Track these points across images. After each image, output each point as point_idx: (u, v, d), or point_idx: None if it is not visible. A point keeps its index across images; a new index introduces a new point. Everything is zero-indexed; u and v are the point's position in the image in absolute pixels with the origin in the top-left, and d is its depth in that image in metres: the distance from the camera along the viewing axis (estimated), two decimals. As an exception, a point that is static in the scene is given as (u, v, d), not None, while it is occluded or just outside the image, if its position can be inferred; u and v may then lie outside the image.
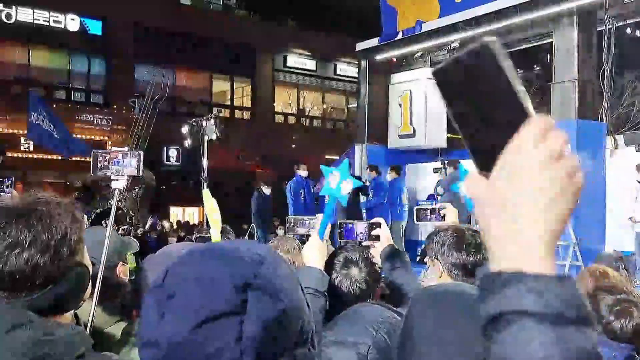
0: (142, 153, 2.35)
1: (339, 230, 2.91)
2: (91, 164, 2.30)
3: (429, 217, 3.79)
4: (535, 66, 23.23)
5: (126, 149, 2.18)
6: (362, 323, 2.13)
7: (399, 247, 10.08)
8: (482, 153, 0.73)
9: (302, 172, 11.86)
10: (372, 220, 3.00)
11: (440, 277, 2.50)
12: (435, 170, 12.10)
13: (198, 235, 2.57)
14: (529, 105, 0.70)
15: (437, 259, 2.52)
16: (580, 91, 10.98)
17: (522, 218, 0.70)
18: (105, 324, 2.26)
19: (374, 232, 2.92)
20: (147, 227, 12.95)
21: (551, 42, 11.68)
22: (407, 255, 2.96)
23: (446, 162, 11.94)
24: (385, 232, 2.92)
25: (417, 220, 3.92)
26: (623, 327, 2.28)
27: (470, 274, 2.47)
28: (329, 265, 2.31)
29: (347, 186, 2.06)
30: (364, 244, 2.92)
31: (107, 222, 2.17)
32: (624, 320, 2.28)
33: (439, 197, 11.27)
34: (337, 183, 2.07)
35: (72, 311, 1.52)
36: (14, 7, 21.96)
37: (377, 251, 2.87)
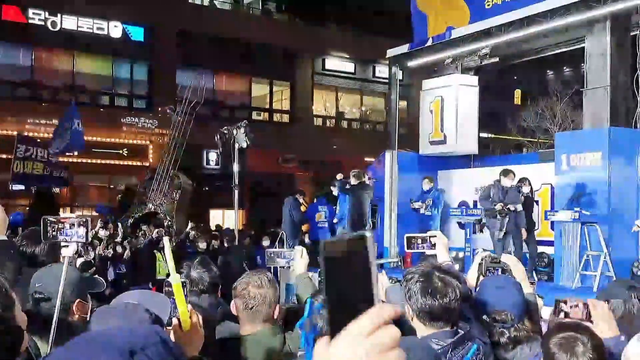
0: (89, 220, 2.43)
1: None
2: (41, 230, 2.41)
3: (419, 245, 3.78)
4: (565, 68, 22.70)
5: (74, 215, 2.22)
6: None
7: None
8: (337, 325, 0.81)
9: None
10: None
11: (412, 320, 2.55)
12: None
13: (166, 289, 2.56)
14: (376, 294, 0.79)
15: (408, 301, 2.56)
16: (614, 97, 10.72)
17: None
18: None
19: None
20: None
21: (584, 47, 11.43)
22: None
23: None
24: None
25: (407, 249, 3.89)
26: None
27: (437, 318, 2.51)
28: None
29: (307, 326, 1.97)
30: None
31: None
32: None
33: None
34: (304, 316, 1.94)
35: None
36: (59, 15, 22.60)
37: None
